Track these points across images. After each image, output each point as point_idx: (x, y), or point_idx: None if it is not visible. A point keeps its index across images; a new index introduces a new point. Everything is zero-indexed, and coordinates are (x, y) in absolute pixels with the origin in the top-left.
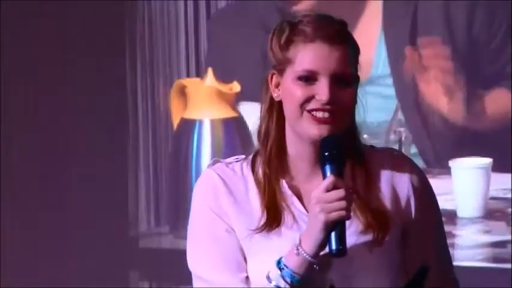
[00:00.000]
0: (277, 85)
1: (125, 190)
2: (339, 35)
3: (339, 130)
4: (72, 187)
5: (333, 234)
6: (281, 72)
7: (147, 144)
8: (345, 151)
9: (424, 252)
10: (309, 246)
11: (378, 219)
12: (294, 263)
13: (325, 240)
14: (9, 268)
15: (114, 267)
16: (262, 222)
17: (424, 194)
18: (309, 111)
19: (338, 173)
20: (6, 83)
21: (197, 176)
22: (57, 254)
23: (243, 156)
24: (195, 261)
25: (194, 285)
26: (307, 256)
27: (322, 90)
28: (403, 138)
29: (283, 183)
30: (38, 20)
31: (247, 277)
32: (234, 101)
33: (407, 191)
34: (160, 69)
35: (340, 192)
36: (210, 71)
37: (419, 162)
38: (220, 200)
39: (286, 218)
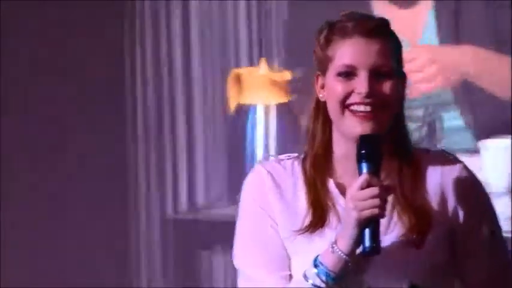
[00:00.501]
0: (323, 86)
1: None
2: (377, 29)
3: (382, 127)
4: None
5: (366, 231)
6: (324, 72)
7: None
8: (381, 150)
9: (476, 261)
10: (343, 244)
11: (421, 220)
12: (329, 261)
13: (359, 238)
14: (9, 268)
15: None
16: (306, 223)
17: (475, 198)
18: (350, 108)
19: (373, 171)
20: (6, 83)
21: (251, 156)
22: (62, 253)
23: (296, 154)
24: (239, 256)
25: (238, 280)
26: (341, 254)
27: (360, 83)
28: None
29: (331, 183)
30: (38, 19)
31: (290, 275)
32: (285, 88)
33: (456, 193)
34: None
35: (374, 190)
36: (263, 60)
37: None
38: (267, 196)
39: (331, 219)
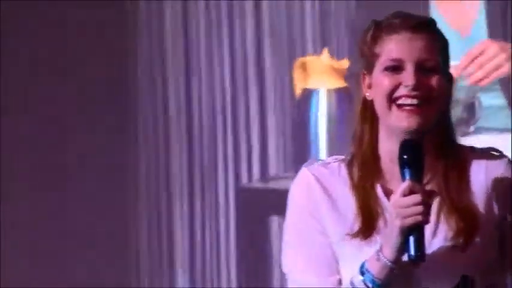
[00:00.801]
0: (369, 85)
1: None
2: (423, 25)
3: (428, 122)
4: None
5: (410, 239)
6: (370, 70)
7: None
8: (423, 154)
9: None
10: (388, 251)
11: (467, 223)
12: (375, 268)
13: (404, 246)
14: (9, 268)
15: None
16: (356, 229)
17: None
18: (397, 102)
19: (416, 177)
20: (6, 83)
21: (315, 134)
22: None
23: (342, 157)
24: (287, 262)
25: (288, 285)
26: (387, 261)
27: (407, 76)
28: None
29: (378, 188)
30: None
31: (339, 280)
32: (344, 75)
33: (501, 189)
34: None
35: (416, 197)
36: (325, 50)
37: None
38: (315, 201)
39: (380, 225)
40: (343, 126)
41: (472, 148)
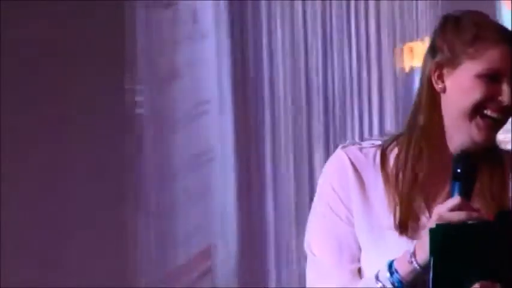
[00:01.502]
0: (441, 76)
1: None
2: None
3: (495, 139)
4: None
5: None
6: (454, 65)
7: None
8: (477, 169)
9: None
10: (421, 257)
11: None
12: (404, 270)
13: None
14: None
15: None
16: (391, 220)
17: None
18: (483, 112)
19: (466, 193)
20: (6, 83)
21: None
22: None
23: (379, 142)
24: (310, 241)
25: (307, 266)
26: (417, 266)
27: (504, 90)
28: None
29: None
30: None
31: (359, 269)
32: None
33: None
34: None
35: (461, 215)
36: (426, 38)
37: None
38: (347, 184)
39: (413, 225)
40: None
41: (507, 151)
